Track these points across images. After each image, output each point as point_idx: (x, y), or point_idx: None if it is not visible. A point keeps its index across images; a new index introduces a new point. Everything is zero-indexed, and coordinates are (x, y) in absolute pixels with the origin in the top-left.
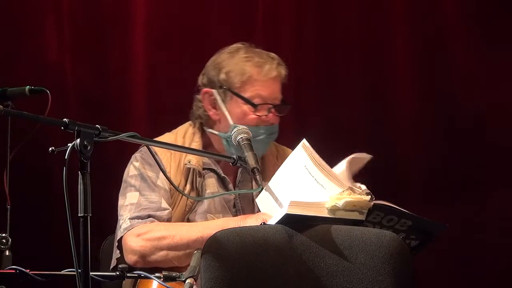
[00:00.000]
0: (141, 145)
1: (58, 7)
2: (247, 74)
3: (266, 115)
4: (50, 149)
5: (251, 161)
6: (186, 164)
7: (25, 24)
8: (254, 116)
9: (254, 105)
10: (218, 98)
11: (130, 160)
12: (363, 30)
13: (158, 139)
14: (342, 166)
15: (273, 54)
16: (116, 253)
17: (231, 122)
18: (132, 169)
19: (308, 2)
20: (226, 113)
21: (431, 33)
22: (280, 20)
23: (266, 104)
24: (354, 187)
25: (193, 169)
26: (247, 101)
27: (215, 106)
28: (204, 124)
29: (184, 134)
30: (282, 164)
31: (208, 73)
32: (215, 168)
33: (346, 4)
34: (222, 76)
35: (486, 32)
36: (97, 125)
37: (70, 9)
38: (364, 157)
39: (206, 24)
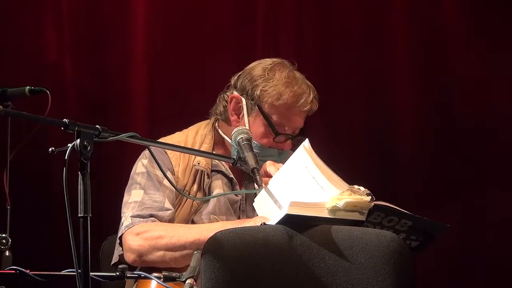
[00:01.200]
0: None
1: (58, 7)
2: (282, 101)
3: (282, 142)
4: (50, 149)
5: (251, 161)
6: (195, 165)
7: (25, 24)
8: (271, 140)
9: (276, 134)
10: (245, 108)
11: (139, 157)
12: (362, 30)
13: (167, 138)
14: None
15: (310, 83)
16: (118, 250)
17: None
18: (140, 166)
19: (308, 2)
20: (247, 125)
21: (431, 33)
22: (280, 20)
23: (287, 135)
24: (354, 188)
25: (201, 170)
26: (271, 125)
27: (239, 114)
28: (221, 121)
29: (195, 134)
30: (283, 165)
31: (244, 81)
32: (223, 170)
33: (346, 4)
34: (257, 91)
35: (486, 32)
36: (97, 126)
37: (70, 9)
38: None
39: (206, 24)
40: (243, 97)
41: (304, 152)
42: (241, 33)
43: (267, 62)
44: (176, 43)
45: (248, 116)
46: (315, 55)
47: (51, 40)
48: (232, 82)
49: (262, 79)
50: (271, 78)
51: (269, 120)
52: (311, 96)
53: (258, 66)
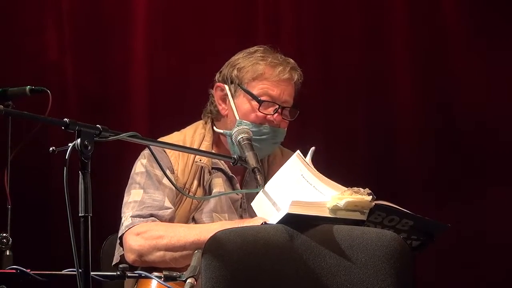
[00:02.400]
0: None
1: (58, 7)
2: (259, 72)
3: (272, 115)
4: (51, 149)
5: (252, 161)
6: (196, 162)
7: (25, 24)
8: (259, 114)
9: (259, 102)
10: (229, 93)
11: (138, 157)
12: (363, 30)
13: (165, 138)
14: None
15: (290, 59)
16: (119, 250)
17: (237, 117)
18: (139, 166)
19: (308, 2)
20: (234, 107)
21: (431, 34)
22: (280, 20)
23: (272, 103)
24: (354, 188)
25: (202, 167)
26: (254, 97)
27: (224, 100)
28: (214, 121)
29: (193, 133)
30: (276, 173)
31: (224, 70)
32: (223, 168)
33: (346, 4)
34: (235, 72)
35: (486, 32)
36: (97, 125)
37: (71, 8)
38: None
39: (206, 24)
40: (226, 84)
41: (298, 161)
42: (241, 33)
43: (244, 50)
44: (176, 43)
45: (234, 99)
46: (315, 55)
47: (52, 39)
48: (216, 78)
49: (238, 61)
50: (248, 58)
51: (250, 93)
52: (289, 65)
53: (235, 56)
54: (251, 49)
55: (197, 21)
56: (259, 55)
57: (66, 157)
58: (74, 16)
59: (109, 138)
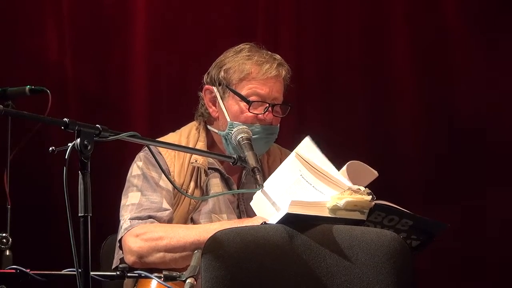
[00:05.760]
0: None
1: (59, 7)
2: (246, 72)
3: (262, 114)
4: (50, 149)
5: (251, 161)
6: (192, 163)
7: (25, 24)
8: (250, 114)
9: (248, 102)
10: (218, 95)
11: (134, 160)
12: (363, 31)
13: (161, 139)
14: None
15: (277, 55)
16: (119, 253)
17: (228, 119)
18: (135, 169)
19: (308, 2)
20: (224, 109)
21: (431, 33)
22: (280, 20)
23: (262, 103)
24: (353, 188)
25: (198, 167)
26: (243, 98)
27: (214, 103)
28: (207, 123)
29: (188, 134)
30: (274, 172)
31: (211, 71)
32: (219, 168)
33: (346, 4)
34: (222, 73)
35: (486, 32)
36: (97, 125)
37: (71, 9)
38: (370, 172)
39: (206, 24)
40: (214, 86)
41: (297, 161)
42: (241, 33)
43: (230, 49)
44: (176, 43)
45: (223, 101)
46: (315, 55)
47: (52, 39)
48: (204, 80)
49: (225, 62)
50: (234, 58)
51: (239, 94)
52: (276, 62)
53: (221, 56)
54: (237, 48)
55: (197, 21)
56: (245, 54)
57: (66, 157)
58: (74, 16)
59: (109, 138)
